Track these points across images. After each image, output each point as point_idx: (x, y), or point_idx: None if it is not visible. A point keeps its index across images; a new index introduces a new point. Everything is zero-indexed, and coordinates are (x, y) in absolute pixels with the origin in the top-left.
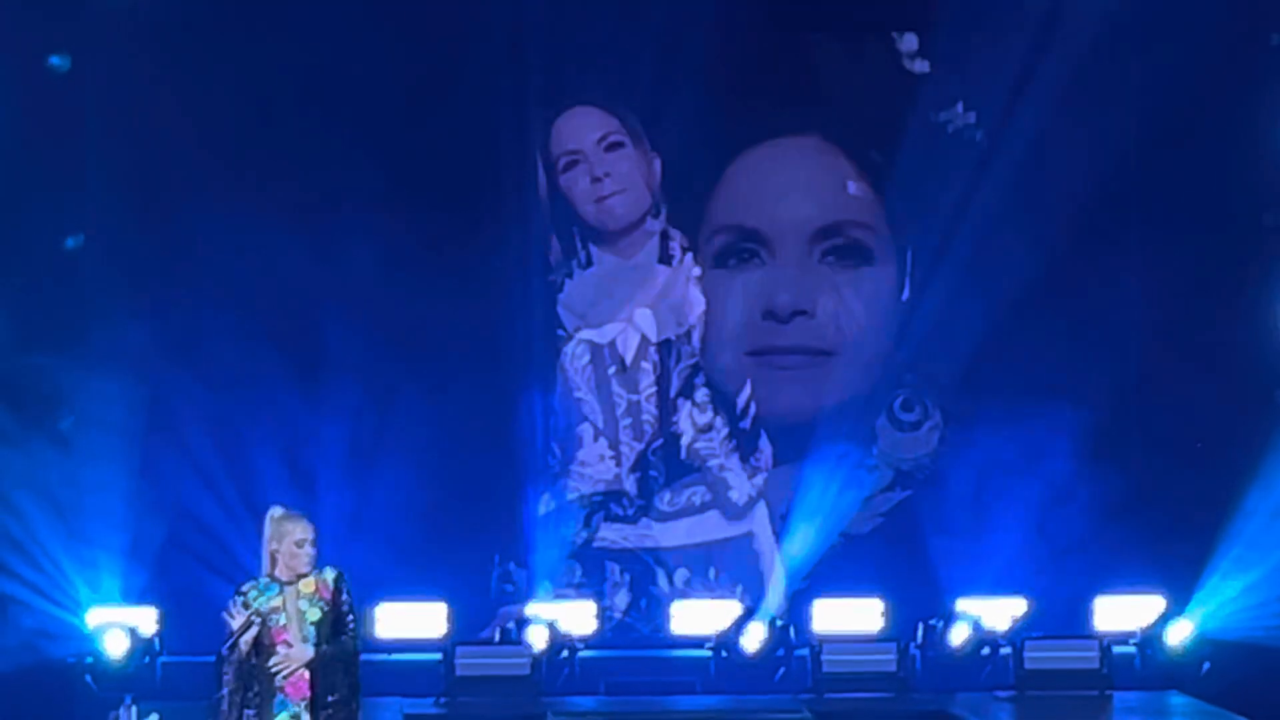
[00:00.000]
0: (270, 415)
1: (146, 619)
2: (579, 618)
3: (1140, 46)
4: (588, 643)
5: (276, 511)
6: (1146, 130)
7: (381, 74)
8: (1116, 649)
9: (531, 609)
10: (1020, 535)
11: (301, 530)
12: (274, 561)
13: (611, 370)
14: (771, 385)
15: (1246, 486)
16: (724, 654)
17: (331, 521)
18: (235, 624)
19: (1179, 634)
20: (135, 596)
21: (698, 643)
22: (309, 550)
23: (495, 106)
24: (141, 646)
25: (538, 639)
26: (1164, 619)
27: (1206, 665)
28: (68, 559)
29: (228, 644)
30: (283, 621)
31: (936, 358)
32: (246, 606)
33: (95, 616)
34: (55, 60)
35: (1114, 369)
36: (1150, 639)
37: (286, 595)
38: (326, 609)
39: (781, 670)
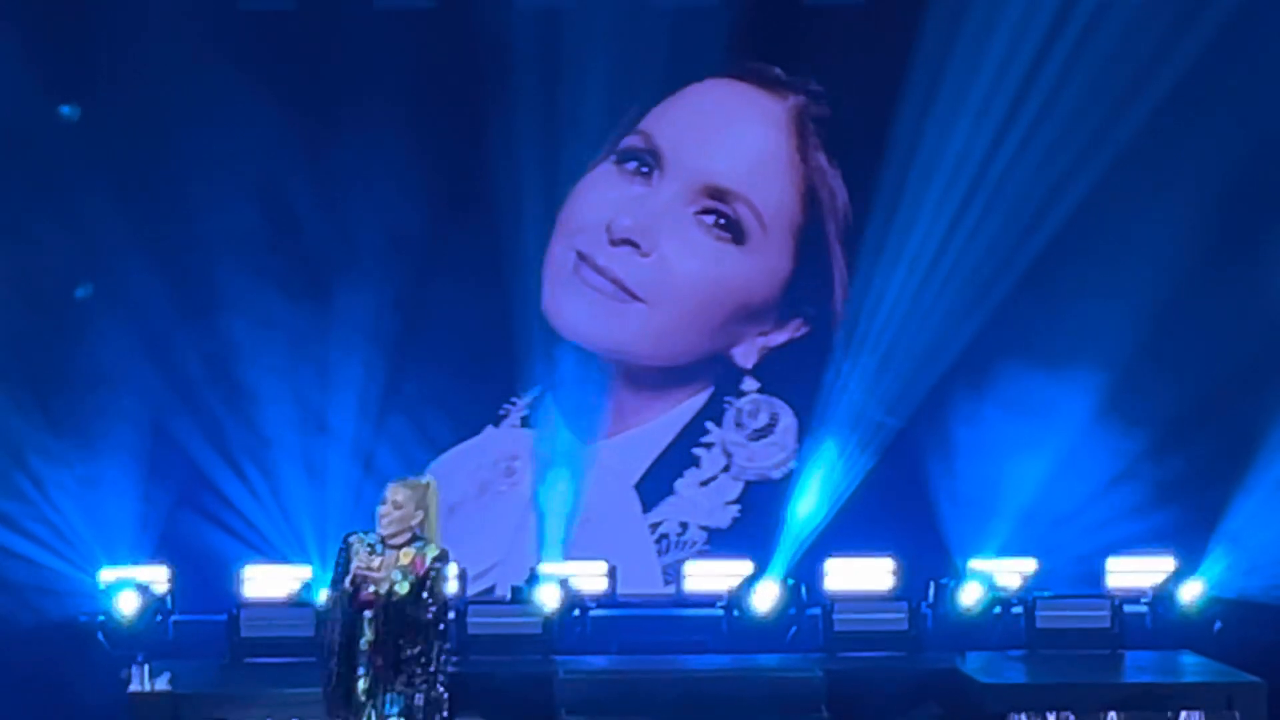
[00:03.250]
0: (285, 368)
1: (158, 577)
2: (590, 576)
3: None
4: (599, 601)
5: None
6: (1158, 89)
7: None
8: (1128, 608)
9: (544, 567)
10: (1032, 494)
11: (389, 490)
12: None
13: None
14: (573, 295)
15: (1259, 445)
16: (735, 613)
17: (346, 464)
18: (372, 572)
19: (1191, 593)
20: (147, 555)
21: (709, 601)
22: (384, 509)
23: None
24: (153, 605)
25: (549, 598)
26: (1176, 578)
27: (1218, 624)
28: (80, 516)
29: (333, 592)
30: (371, 589)
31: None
32: (347, 559)
33: (107, 575)
34: (65, 110)
35: (1126, 330)
36: (1162, 598)
37: (385, 560)
38: (414, 583)
39: (793, 629)
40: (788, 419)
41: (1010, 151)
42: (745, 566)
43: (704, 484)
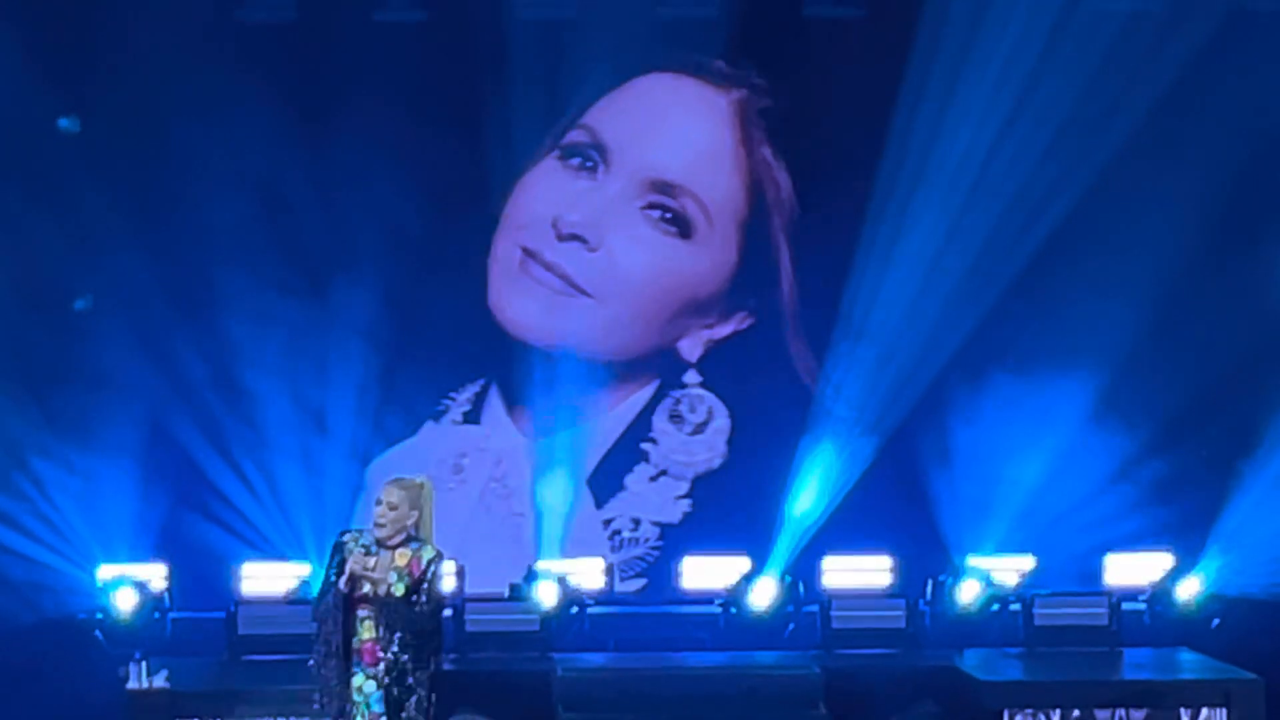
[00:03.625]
0: (281, 366)
1: (156, 575)
2: (589, 573)
3: None
4: (597, 599)
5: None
6: (1157, 91)
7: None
8: (1126, 605)
9: (542, 564)
10: (1030, 492)
11: (381, 491)
12: None
13: None
14: (521, 291)
15: (1257, 442)
16: (733, 610)
17: (344, 461)
18: (368, 572)
19: (1189, 590)
20: (145, 552)
21: (707, 599)
22: (378, 511)
23: None
24: (151, 602)
25: (547, 595)
26: (1174, 575)
27: (1216, 621)
28: (79, 514)
29: (330, 590)
30: (366, 589)
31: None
32: (341, 558)
33: (105, 572)
34: (64, 123)
35: (1124, 328)
36: (1160, 595)
37: (380, 561)
38: (410, 585)
39: (791, 626)
40: (721, 419)
41: (1008, 149)
42: (743, 563)
43: (653, 479)
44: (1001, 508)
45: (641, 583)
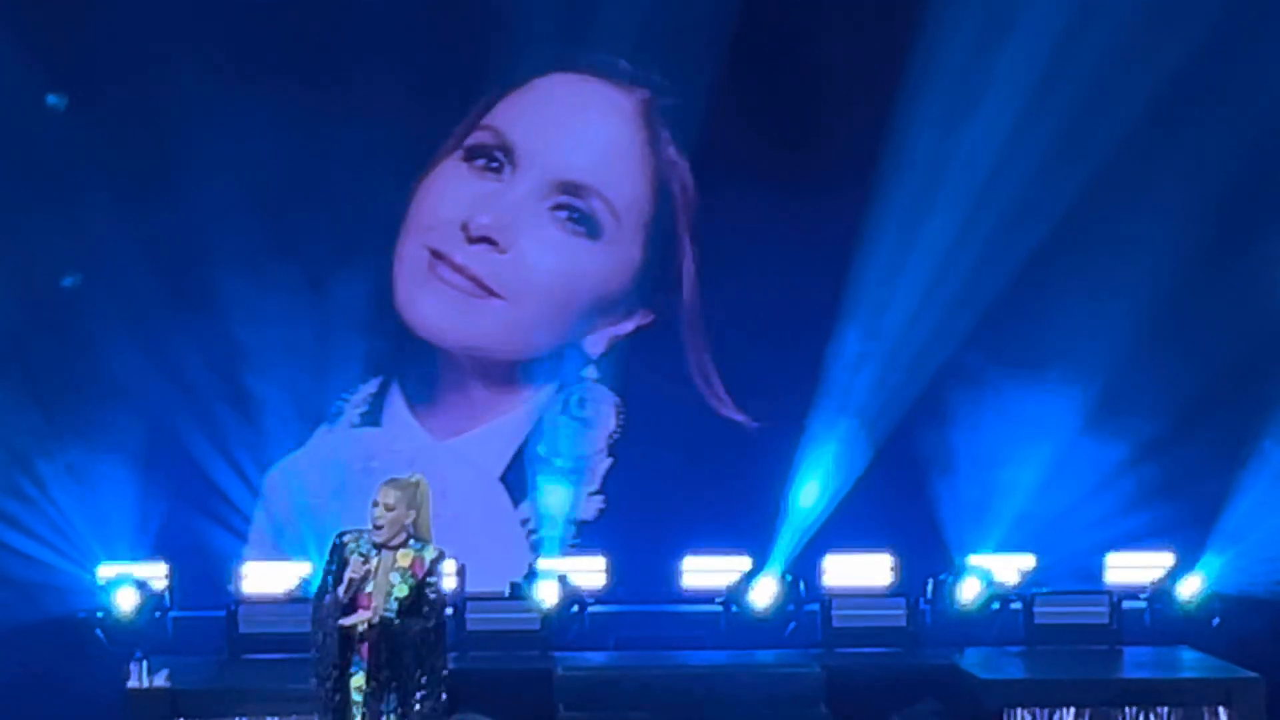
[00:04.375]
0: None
1: (157, 573)
2: (589, 572)
3: None
4: (598, 597)
5: (390, 476)
6: (1157, 88)
7: None
8: (1127, 604)
9: (542, 563)
10: (1030, 490)
11: (379, 493)
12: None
13: None
14: (430, 293)
15: (1258, 440)
16: (734, 609)
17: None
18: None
19: (1190, 589)
20: (145, 551)
21: (708, 597)
22: (376, 513)
23: None
24: (152, 601)
25: (548, 594)
26: (1175, 574)
27: (1217, 620)
28: (78, 512)
29: (327, 594)
30: (369, 589)
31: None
32: (341, 558)
33: (106, 571)
34: (52, 99)
35: (1124, 326)
36: (1161, 594)
37: (382, 562)
38: (414, 586)
39: (792, 625)
40: (615, 415)
41: (1001, 147)
42: (743, 562)
43: (564, 478)
44: (1002, 506)
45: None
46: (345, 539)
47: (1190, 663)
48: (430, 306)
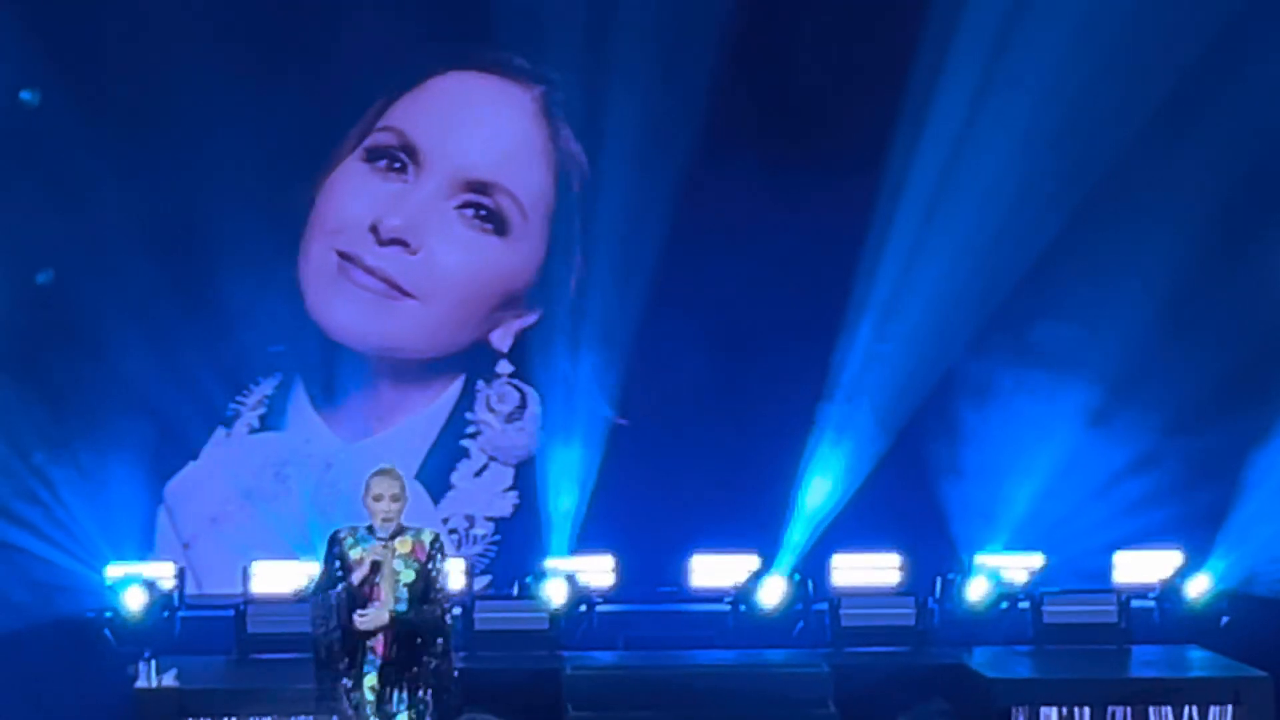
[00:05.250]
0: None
1: (165, 573)
2: (597, 572)
3: None
4: (606, 597)
5: (377, 466)
6: (1162, 93)
7: None
8: (1135, 603)
9: (550, 562)
10: (1039, 489)
11: (380, 485)
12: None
13: None
14: (343, 296)
15: (1267, 439)
16: (742, 608)
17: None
18: (357, 575)
19: (1198, 587)
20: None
21: (716, 597)
22: (385, 506)
23: None
24: (160, 601)
25: (556, 593)
26: (1183, 572)
27: (1225, 619)
28: (87, 512)
29: (326, 587)
30: (378, 580)
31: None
32: (340, 554)
33: (114, 571)
34: (26, 95)
35: (1133, 325)
36: (1169, 593)
37: (384, 554)
38: (419, 570)
39: (800, 624)
40: (534, 405)
41: (1019, 134)
42: (752, 562)
43: (478, 474)
44: (1010, 505)
45: (488, 579)
46: (342, 534)
47: (1199, 662)
48: (344, 310)
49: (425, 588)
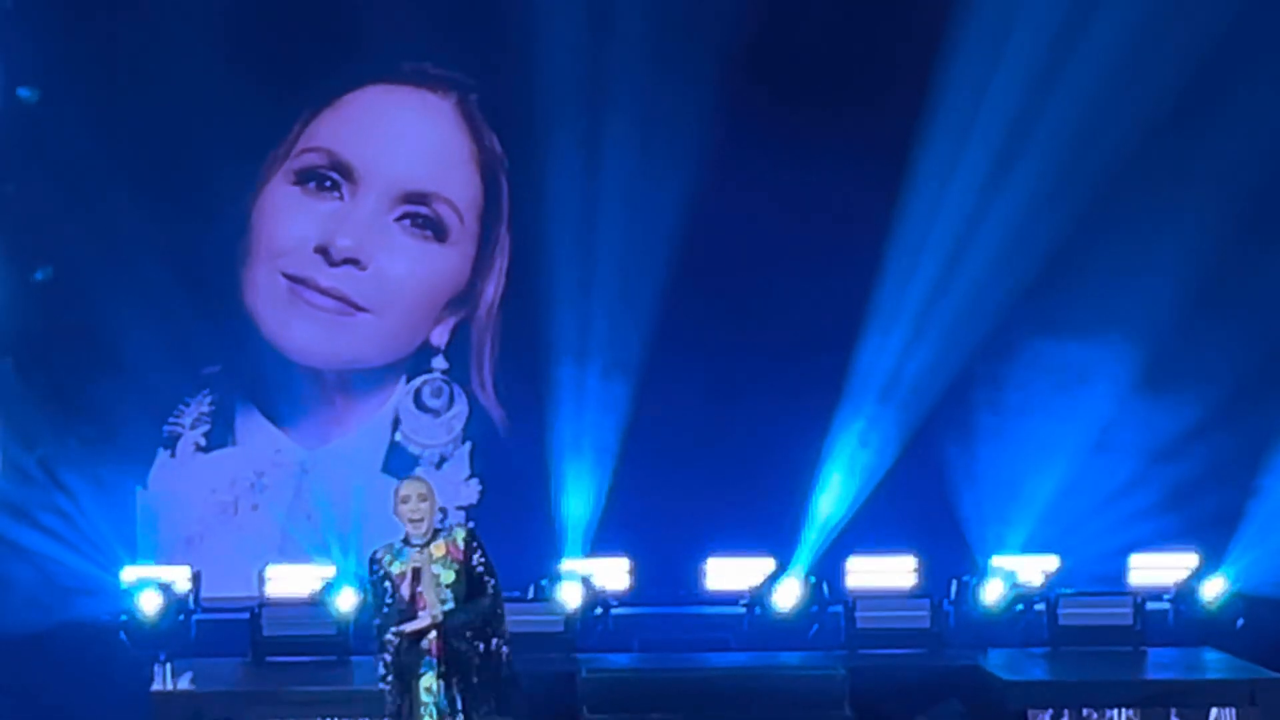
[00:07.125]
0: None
1: (180, 576)
2: (613, 574)
3: None
4: (621, 599)
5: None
6: (1194, 66)
7: None
8: (1150, 605)
9: (566, 565)
10: (1054, 491)
11: (407, 487)
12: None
13: None
14: (300, 319)
15: None
16: (757, 611)
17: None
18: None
19: (1213, 590)
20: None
21: (731, 599)
22: (413, 505)
23: None
24: (175, 604)
25: (571, 596)
26: (1198, 575)
27: (1241, 621)
28: (102, 516)
29: (390, 623)
30: (420, 588)
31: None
32: (384, 575)
33: (129, 574)
34: (24, 92)
35: (1149, 328)
36: (1184, 595)
37: (422, 560)
38: (459, 569)
39: (815, 627)
40: (461, 405)
41: (1030, 125)
42: (767, 564)
43: (439, 466)
44: (1025, 508)
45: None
46: (379, 554)
47: (1214, 664)
48: (302, 331)
49: (471, 581)
